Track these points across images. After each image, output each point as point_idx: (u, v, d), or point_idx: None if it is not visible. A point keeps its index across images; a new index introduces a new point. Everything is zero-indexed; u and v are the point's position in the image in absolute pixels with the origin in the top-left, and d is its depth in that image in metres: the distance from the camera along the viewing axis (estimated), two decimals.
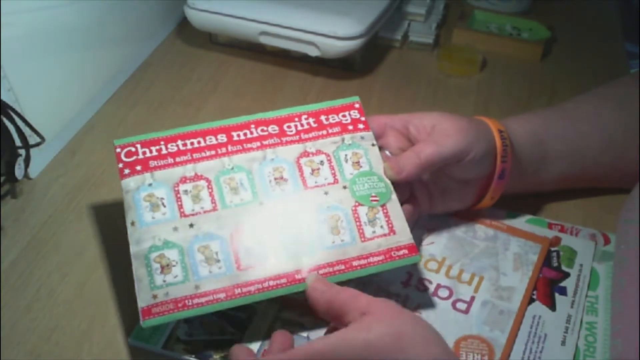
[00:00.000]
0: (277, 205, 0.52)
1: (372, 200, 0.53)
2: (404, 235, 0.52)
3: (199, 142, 0.55)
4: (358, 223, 0.52)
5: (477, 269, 0.57)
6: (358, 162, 0.54)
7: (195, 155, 0.54)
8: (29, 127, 0.63)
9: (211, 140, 0.55)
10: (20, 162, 0.63)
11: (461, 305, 0.54)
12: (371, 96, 0.80)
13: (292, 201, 0.52)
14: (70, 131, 0.72)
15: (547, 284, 0.56)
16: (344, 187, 0.53)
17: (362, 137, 0.56)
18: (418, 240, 0.60)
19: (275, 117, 0.56)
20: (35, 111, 0.65)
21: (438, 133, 0.55)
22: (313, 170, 0.54)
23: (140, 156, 0.54)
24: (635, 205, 0.56)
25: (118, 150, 0.54)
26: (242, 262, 0.49)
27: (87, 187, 0.66)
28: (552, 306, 0.55)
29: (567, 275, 0.57)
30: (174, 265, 0.49)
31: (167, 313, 0.47)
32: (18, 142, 0.63)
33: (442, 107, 0.79)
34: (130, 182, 0.52)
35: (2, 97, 0.61)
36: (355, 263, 0.50)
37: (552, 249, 0.59)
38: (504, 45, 0.88)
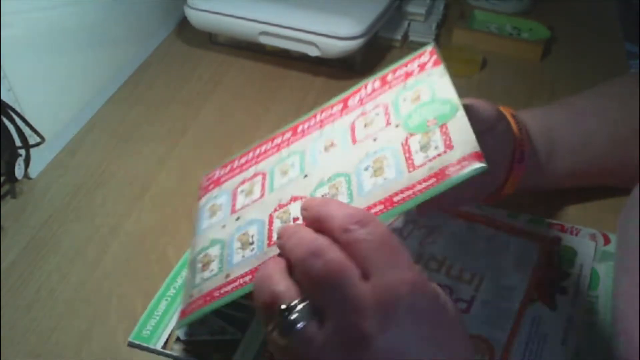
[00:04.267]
0: (319, 172, 0.48)
1: (428, 125, 0.44)
2: (467, 145, 0.41)
3: (266, 145, 0.56)
4: (407, 155, 0.43)
5: (478, 269, 0.57)
6: (418, 97, 0.47)
7: (259, 159, 0.56)
8: (29, 127, 0.63)
9: (277, 140, 0.56)
10: (20, 162, 0.63)
11: (461, 305, 0.54)
12: None
13: (335, 163, 0.48)
14: (70, 131, 0.72)
15: (548, 284, 0.56)
16: (397, 126, 0.46)
17: (428, 75, 0.48)
18: (418, 240, 0.60)
19: (343, 97, 0.54)
20: (35, 111, 0.65)
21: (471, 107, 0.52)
22: (366, 125, 0.49)
23: (215, 177, 0.58)
24: (635, 205, 0.56)
25: (205, 182, 0.59)
26: (274, 237, 0.46)
27: (87, 187, 0.66)
28: (552, 306, 0.55)
29: (567, 275, 0.57)
30: (212, 261, 0.48)
31: (197, 309, 0.46)
32: (18, 142, 0.63)
33: None
34: (202, 201, 0.57)
35: (2, 97, 0.61)
36: (396, 198, 0.41)
37: (553, 248, 0.59)
38: (504, 45, 0.88)
